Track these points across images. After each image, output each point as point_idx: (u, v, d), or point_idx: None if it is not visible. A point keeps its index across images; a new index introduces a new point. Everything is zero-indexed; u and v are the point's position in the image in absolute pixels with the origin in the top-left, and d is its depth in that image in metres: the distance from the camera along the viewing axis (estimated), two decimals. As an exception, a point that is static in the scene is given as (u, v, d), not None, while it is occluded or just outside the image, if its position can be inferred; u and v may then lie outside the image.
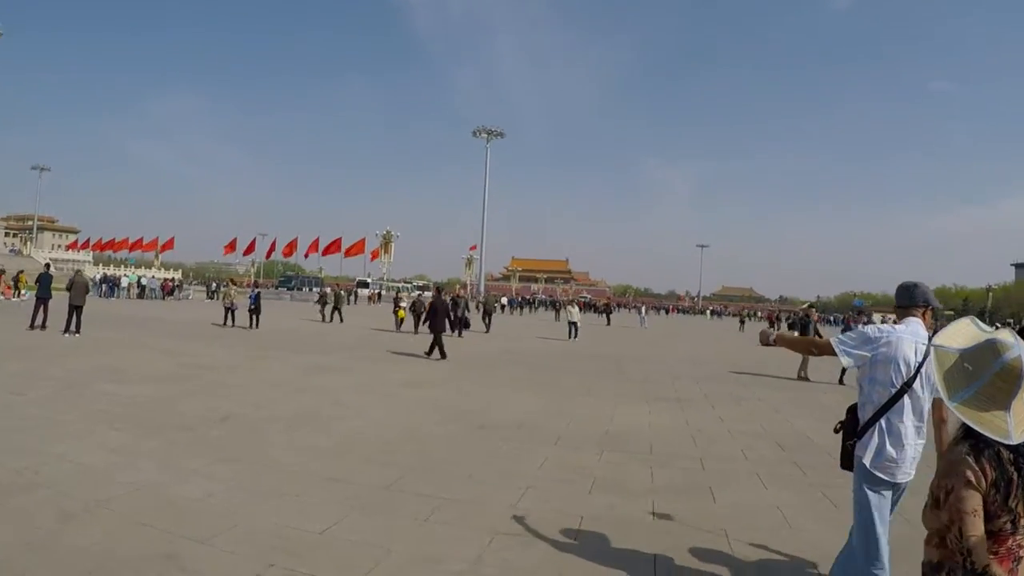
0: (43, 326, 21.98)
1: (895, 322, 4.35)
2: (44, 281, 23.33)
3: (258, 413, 10.73)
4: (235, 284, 33.95)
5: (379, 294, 79.85)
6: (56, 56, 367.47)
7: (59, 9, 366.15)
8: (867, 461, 4.07)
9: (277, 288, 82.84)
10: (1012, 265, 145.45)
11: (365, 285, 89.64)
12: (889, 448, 4.03)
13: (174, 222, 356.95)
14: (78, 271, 24.42)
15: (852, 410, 4.37)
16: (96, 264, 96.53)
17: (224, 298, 30.27)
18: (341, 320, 36.63)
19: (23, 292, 44.05)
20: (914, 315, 4.30)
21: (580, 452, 9.29)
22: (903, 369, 4.03)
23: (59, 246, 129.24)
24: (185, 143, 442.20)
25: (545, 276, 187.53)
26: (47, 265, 25.11)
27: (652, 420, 12.12)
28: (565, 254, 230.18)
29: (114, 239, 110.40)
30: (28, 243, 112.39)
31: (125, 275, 64.72)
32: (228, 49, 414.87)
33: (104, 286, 53.90)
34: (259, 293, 29.89)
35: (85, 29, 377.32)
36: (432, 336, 20.89)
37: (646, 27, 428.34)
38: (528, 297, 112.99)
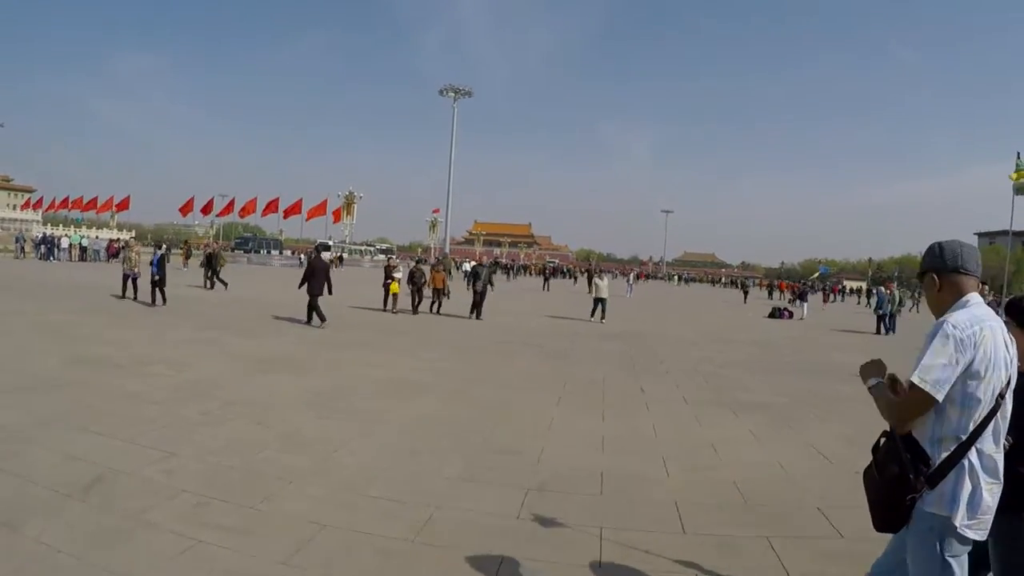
0: None
1: (938, 297, 2.91)
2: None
3: (150, 468, 6.17)
4: (136, 244, 24.06)
5: (341, 257, 74.64)
6: (10, 10, 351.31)
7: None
8: (957, 519, 2.69)
9: (233, 250, 77.26)
10: (975, 234, 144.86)
11: (327, 248, 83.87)
12: (985, 494, 2.70)
13: (134, 182, 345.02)
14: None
15: (903, 436, 2.84)
16: (45, 224, 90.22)
17: (124, 262, 22.53)
18: (225, 286, 28.95)
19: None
20: (973, 290, 2.86)
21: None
22: (1002, 375, 2.74)
23: (13, 206, 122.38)
24: (145, 101, 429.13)
25: (509, 240, 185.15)
26: None
27: (778, 457, 7.86)
28: (527, 218, 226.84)
29: (68, 198, 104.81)
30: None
31: (66, 235, 58.85)
32: (188, 5, 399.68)
33: (43, 247, 48.29)
34: (163, 256, 21.38)
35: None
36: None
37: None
38: (506, 262, 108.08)
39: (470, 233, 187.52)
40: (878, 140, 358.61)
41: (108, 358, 11.45)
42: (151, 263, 20.79)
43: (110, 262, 47.96)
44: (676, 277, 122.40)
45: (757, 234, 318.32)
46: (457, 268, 53.84)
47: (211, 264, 29.75)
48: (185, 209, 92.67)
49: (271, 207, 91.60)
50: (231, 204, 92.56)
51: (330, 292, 19.14)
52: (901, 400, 2.80)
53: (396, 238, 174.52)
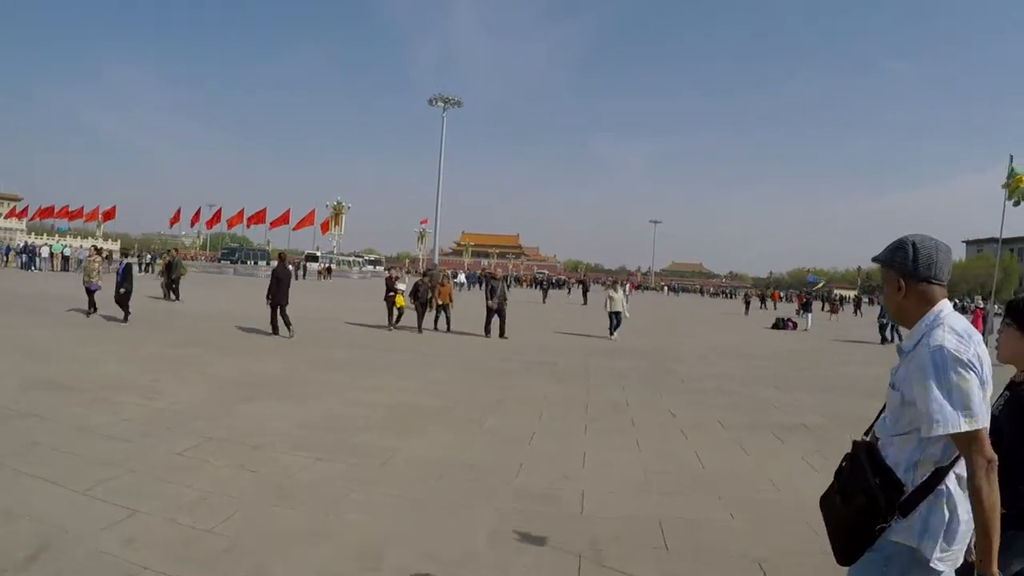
0: None
1: (902, 303, 2.63)
2: None
3: (107, 533, 4.75)
4: (99, 253, 20.51)
5: (329, 268, 73.19)
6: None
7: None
8: (931, 551, 2.39)
9: (220, 261, 75.98)
10: (963, 242, 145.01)
11: (314, 259, 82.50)
12: (962, 524, 2.41)
13: (122, 192, 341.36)
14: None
15: (871, 460, 2.56)
16: (29, 233, 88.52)
17: (84, 273, 19.45)
18: (177, 297, 26.56)
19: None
20: (943, 297, 2.58)
21: None
22: (986, 394, 2.39)
23: (3, 215, 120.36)
24: (135, 112, 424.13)
25: (497, 251, 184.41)
26: None
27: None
28: (514, 229, 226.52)
29: (53, 207, 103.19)
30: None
31: (47, 244, 57.14)
32: (178, 16, 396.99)
33: (24, 256, 46.79)
34: (128, 266, 18.75)
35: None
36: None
37: (598, 2, 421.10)
38: (489, 273, 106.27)
39: (458, 244, 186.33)
40: (865, 151, 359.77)
41: (72, 381, 10.02)
42: (116, 273, 18.60)
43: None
44: (665, 287, 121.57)
45: (744, 244, 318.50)
46: (450, 280, 52.59)
47: (170, 273, 27.21)
48: (173, 220, 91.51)
49: (258, 217, 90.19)
50: (218, 214, 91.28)
51: (286, 302, 18.07)
52: (979, 473, 2.28)
53: (384, 249, 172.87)
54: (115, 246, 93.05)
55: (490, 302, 20.81)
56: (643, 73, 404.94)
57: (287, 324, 17.50)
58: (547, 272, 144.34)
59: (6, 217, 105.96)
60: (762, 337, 29.20)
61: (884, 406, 2.67)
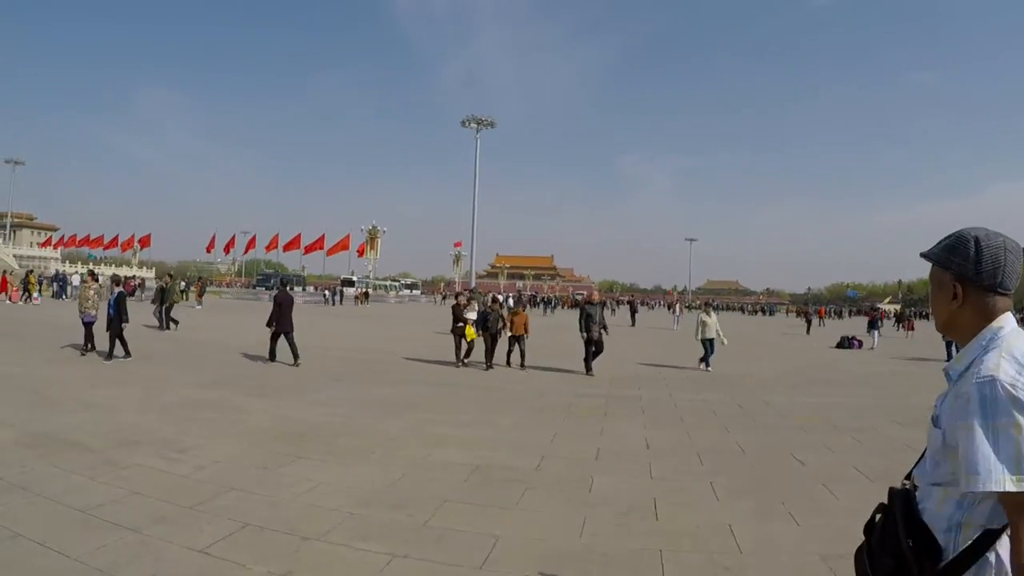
0: None
1: (956, 312, 2.14)
2: None
3: None
4: (94, 279, 18.10)
5: (366, 293, 71.90)
6: (35, 49, 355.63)
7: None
8: None
9: (255, 287, 75.02)
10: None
11: (351, 283, 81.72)
12: None
13: (157, 220, 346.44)
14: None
15: (906, 515, 2.14)
16: (64, 261, 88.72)
17: (80, 301, 17.07)
18: (175, 325, 24.74)
19: (34, 295, 38.99)
20: (1008, 310, 2.10)
21: None
22: None
23: (37, 244, 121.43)
24: (168, 140, 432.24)
25: (532, 273, 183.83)
26: None
27: None
28: (548, 250, 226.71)
29: (88, 236, 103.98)
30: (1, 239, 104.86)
31: (77, 272, 56.57)
32: (209, 44, 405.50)
33: (56, 284, 46.10)
34: (121, 295, 16.08)
35: (60, 21, 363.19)
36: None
37: (628, 21, 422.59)
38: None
39: (492, 266, 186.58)
40: (899, 162, 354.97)
41: (80, 435, 8.32)
42: (108, 304, 16.25)
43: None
44: (705, 306, 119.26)
45: (780, 260, 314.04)
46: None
47: (163, 300, 25.16)
48: (208, 247, 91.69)
49: (293, 243, 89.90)
50: (253, 240, 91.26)
51: (291, 328, 17.22)
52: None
53: (419, 272, 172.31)
54: (150, 273, 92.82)
55: (591, 331, 17.30)
56: (671, 90, 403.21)
57: (294, 352, 16.63)
58: (585, 293, 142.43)
59: (41, 246, 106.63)
60: (834, 358, 27.16)
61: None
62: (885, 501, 2.26)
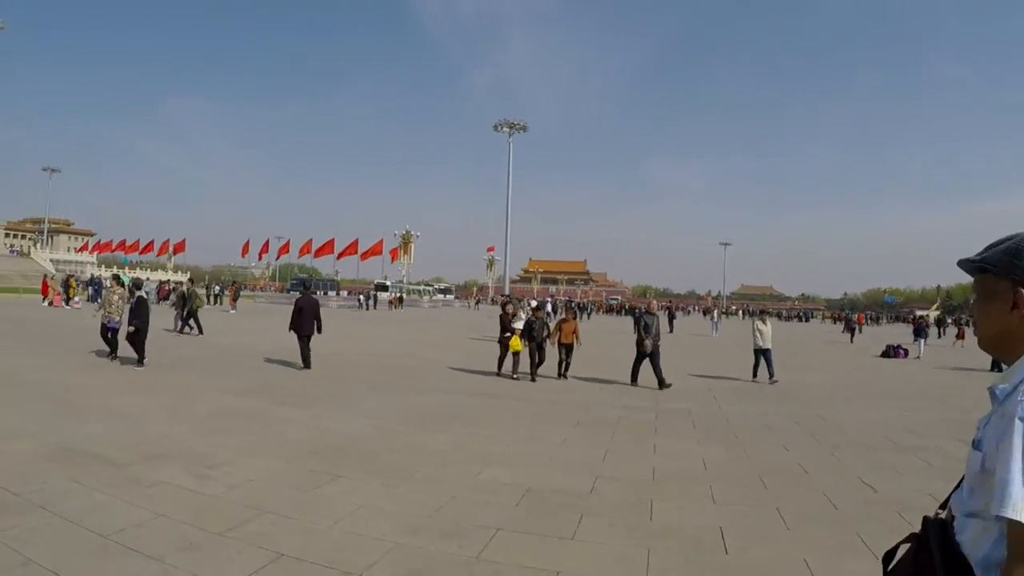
0: None
1: (1007, 320, 1.84)
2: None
3: None
4: (119, 283, 17.53)
5: (400, 298, 71.60)
6: (68, 56, 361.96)
7: (70, 8, 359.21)
8: None
9: (289, 291, 75.13)
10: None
11: (384, 288, 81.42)
12: None
13: (191, 225, 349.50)
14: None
15: (942, 547, 1.86)
16: (99, 266, 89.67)
17: (104, 306, 16.20)
18: (200, 330, 24.24)
19: (75, 299, 40.30)
20: None
21: None
22: None
23: (73, 248, 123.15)
24: (201, 147, 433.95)
25: (565, 278, 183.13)
26: None
27: None
28: (580, 255, 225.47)
29: (124, 241, 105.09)
30: (37, 245, 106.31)
31: (112, 276, 56.76)
32: (238, 50, 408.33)
33: (91, 288, 46.43)
34: (141, 300, 15.46)
35: (93, 28, 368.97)
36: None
37: (658, 22, 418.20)
38: (573, 300, 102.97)
39: (525, 271, 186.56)
40: (936, 164, 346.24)
41: (105, 448, 7.85)
42: (128, 308, 15.67)
43: (159, 304, 45.69)
44: (741, 311, 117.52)
45: (814, 265, 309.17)
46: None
47: (185, 304, 24.78)
48: (243, 251, 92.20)
49: (326, 248, 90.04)
50: (287, 245, 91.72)
51: (319, 331, 16.93)
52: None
53: (451, 277, 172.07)
54: (184, 277, 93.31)
55: (646, 342, 16.19)
56: (702, 92, 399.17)
57: (306, 359, 16.45)
58: (619, 298, 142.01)
59: (78, 251, 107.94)
60: (882, 368, 26.29)
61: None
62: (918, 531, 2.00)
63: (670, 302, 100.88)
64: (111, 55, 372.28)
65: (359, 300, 65.03)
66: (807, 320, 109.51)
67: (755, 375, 18.37)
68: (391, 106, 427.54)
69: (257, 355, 18.29)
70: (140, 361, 14.94)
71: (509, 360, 16.97)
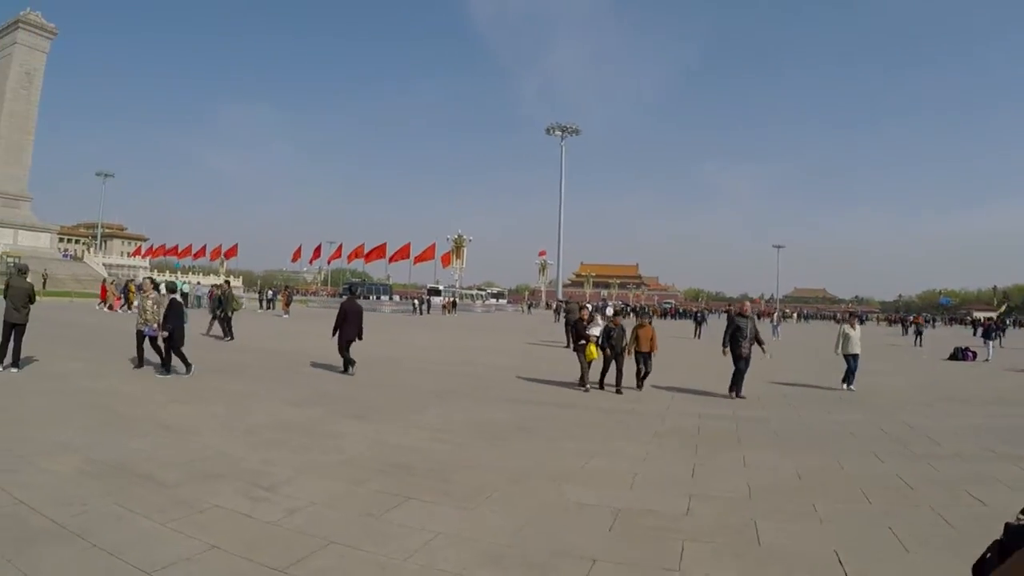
0: None
1: None
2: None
3: None
4: (153, 286, 15.73)
5: (454, 302, 71.21)
6: (122, 61, 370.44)
7: (123, 13, 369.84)
8: None
9: (341, 296, 75.15)
10: None
11: (437, 293, 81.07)
12: None
13: (243, 230, 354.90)
14: (21, 269, 15.19)
15: None
16: (152, 270, 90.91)
17: (140, 312, 14.99)
18: (231, 335, 23.58)
19: (135, 304, 37.85)
20: None
21: None
22: None
23: (126, 253, 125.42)
24: (254, 151, 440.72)
25: (617, 281, 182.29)
26: None
27: None
28: (631, 258, 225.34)
29: (176, 246, 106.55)
30: (90, 249, 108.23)
31: (165, 281, 57.07)
32: (289, 56, 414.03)
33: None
34: (174, 303, 14.46)
35: (144, 32, 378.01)
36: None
37: (709, 26, 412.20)
38: (627, 304, 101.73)
39: (577, 275, 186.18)
40: (995, 161, 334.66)
41: (153, 464, 7.25)
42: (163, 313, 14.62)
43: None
44: (795, 315, 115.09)
45: (868, 266, 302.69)
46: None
47: (223, 308, 24.32)
48: (295, 256, 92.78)
49: (378, 252, 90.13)
50: (339, 250, 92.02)
51: (360, 337, 16.53)
52: None
53: (502, 281, 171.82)
54: (237, 282, 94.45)
55: (740, 347, 14.99)
56: (753, 93, 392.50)
57: (348, 362, 16.14)
58: (673, 302, 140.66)
59: (131, 255, 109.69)
60: (954, 371, 25.27)
61: None
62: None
63: (729, 305, 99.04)
64: (165, 60, 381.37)
65: (413, 305, 64.81)
66: (862, 323, 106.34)
67: (848, 382, 17.09)
68: (440, 111, 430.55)
69: (311, 361, 17.74)
70: (161, 365, 14.26)
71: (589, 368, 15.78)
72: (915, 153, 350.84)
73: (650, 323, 16.64)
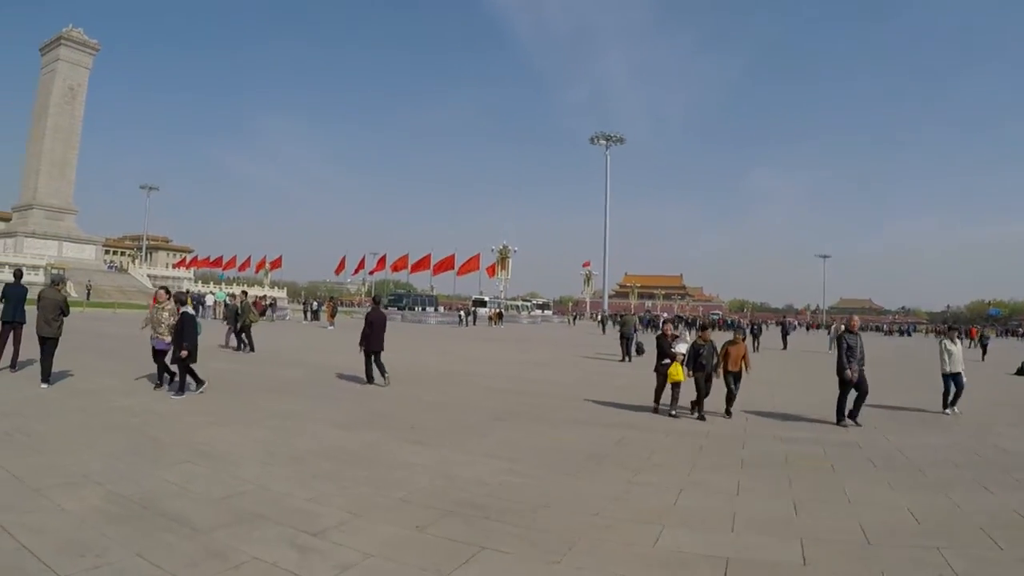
0: (12, 365, 13.72)
1: None
2: (12, 296, 14.07)
3: None
4: (168, 296, 14.20)
5: (500, 313, 70.33)
6: (168, 74, 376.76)
7: (166, 27, 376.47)
8: None
9: (386, 307, 74.86)
10: None
11: (482, 304, 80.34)
12: None
13: (288, 242, 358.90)
14: (55, 280, 14.51)
15: None
16: (196, 281, 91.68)
17: (153, 325, 13.62)
18: (250, 347, 22.67)
19: (147, 315, 38.09)
20: None
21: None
22: None
23: (171, 265, 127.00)
24: (298, 163, 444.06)
25: (662, 292, 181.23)
26: (17, 273, 15.03)
27: None
28: (675, 269, 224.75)
29: (221, 257, 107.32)
30: (135, 261, 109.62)
31: (211, 292, 57.23)
32: (328, 68, 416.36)
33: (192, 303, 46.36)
34: (187, 317, 13.19)
35: (185, 45, 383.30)
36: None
37: (750, 34, 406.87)
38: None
39: (621, 286, 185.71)
40: None
41: (184, 503, 6.33)
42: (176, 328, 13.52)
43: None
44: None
45: (914, 276, 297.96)
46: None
47: (237, 319, 23.28)
48: (338, 268, 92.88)
49: (422, 263, 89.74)
50: (382, 261, 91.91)
51: (380, 348, 16.35)
52: None
53: (545, 292, 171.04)
54: (282, 293, 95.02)
55: (851, 368, 13.29)
56: (797, 102, 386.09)
57: (381, 371, 16.09)
58: (720, 312, 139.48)
59: (175, 267, 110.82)
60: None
61: None
62: None
63: (784, 316, 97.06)
64: (210, 73, 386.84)
65: (460, 316, 64.25)
66: (909, 334, 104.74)
67: (947, 405, 15.52)
68: (483, 122, 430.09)
69: (361, 377, 16.81)
70: (196, 385, 13.14)
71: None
72: (958, 162, 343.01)
73: (743, 339, 14.82)
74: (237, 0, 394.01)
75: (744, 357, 14.17)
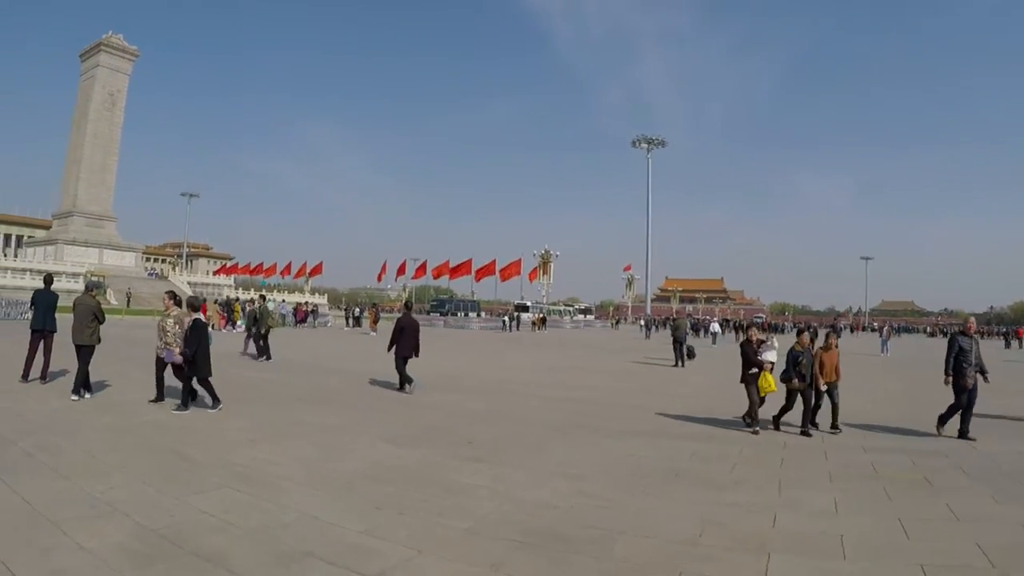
0: (43, 376, 13.38)
1: None
2: (40, 302, 13.60)
3: None
4: (174, 303, 12.62)
5: (543, 318, 69.45)
6: (209, 80, 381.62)
7: (206, 32, 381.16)
8: None
9: (428, 313, 74.54)
10: None
11: (525, 309, 79.62)
12: None
13: (329, 248, 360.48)
14: (89, 286, 13.95)
15: None
16: (236, 288, 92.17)
17: (159, 334, 12.18)
18: (267, 355, 21.68)
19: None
20: None
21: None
22: None
23: (211, 272, 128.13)
24: (339, 170, 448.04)
25: (704, 296, 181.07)
26: (47, 278, 14.50)
27: None
28: (715, 272, 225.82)
29: (261, 264, 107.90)
30: (176, 268, 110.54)
31: (252, 299, 57.20)
32: (373, 74, 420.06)
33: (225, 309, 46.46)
34: (197, 323, 12.07)
35: (228, 53, 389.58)
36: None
37: (789, 37, 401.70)
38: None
39: (662, 290, 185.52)
40: None
41: (221, 537, 5.61)
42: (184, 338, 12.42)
43: (297, 327, 46.42)
44: (886, 328, 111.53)
45: (956, 277, 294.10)
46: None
47: (258, 326, 22.36)
48: (380, 274, 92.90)
49: (463, 268, 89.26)
50: (423, 267, 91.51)
51: (416, 354, 16.10)
52: None
53: (586, 297, 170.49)
54: (322, 299, 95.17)
55: (965, 375, 12.05)
56: (837, 103, 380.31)
57: (406, 378, 15.70)
58: (764, 316, 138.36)
59: (215, 274, 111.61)
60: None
61: None
62: None
63: (836, 319, 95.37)
64: (250, 80, 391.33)
65: (503, 322, 63.57)
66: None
67: None
68: (522, 127, 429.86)
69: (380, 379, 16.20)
70: (213, 401, 12.02)
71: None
72: (999, 165, 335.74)
73: (835, 346, 12.98)
74: (280, 7, 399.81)
75: (836, 368, 12.64)
